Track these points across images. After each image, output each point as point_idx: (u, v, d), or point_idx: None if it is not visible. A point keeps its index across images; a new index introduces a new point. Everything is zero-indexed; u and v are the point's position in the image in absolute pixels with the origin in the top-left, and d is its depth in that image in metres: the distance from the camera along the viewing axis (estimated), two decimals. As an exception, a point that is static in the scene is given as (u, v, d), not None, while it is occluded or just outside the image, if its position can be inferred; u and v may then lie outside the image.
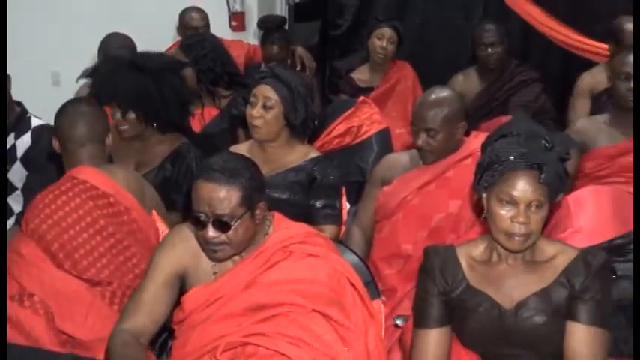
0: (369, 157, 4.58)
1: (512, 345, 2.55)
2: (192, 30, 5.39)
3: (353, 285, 2.72)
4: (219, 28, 5.83)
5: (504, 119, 4.53)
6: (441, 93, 3.52)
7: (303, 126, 3.55)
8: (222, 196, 2.58)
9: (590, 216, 3.41)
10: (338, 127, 4.66)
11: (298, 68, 5.49)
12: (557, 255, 2.57)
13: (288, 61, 5.49)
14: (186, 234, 2.77)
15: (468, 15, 6.26)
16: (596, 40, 5.66)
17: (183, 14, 5.61)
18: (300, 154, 3.60)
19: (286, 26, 5.80)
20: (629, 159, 3.98)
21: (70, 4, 6.48)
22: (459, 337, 2.63)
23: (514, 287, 2.56)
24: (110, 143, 3.29)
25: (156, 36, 5.54)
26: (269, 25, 5.52)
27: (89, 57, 4.79)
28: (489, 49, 5.27)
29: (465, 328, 2.59)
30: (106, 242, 3.05)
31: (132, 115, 3.64)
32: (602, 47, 5.39)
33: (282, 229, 2.76)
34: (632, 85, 3.95)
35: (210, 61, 4.60)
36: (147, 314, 2.69)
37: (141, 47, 4.54)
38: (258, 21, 5.75)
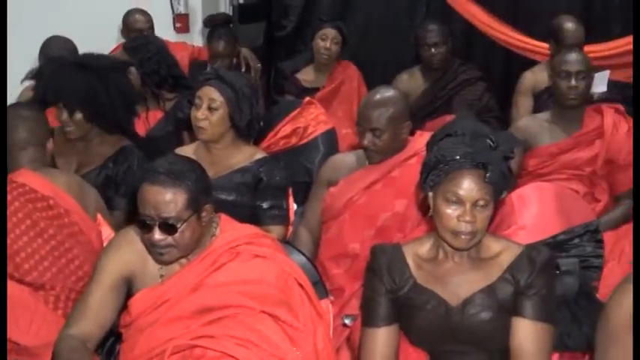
0: (316, 157, 4.58)
1: (460, 342, 2.57)
2: (137, 32, 5.34)
3: (301, 285, 2.72)
4: (164, 29, 5.79)
5: (449, 118, 4.57)
6: (386, 93, 3.54)
7: (249, 127, 3.55)
8: (168, 198, 2.56)
9: (534, 213, 3.45)
10: (284, 128, 4.65)
11: (243, 69, 5.47)
12: (502, 252, 2.60)
13: (234, 60, 5.47)
14: (132, 237, 2.75)
15: (412, 15, 6.29)
16: (537, 39, 5.73)
17: (127, 16, 5.56)
18: (246, 156, 3.59)
19: (232, 25, 5.78)
20: (570, 156, 4.05)
21: (9, 6, 6.38)
22: (407, 335, 2.64)
23: (460, 284, 2.58)
24: (51, 147, 3.26)
25: (98, 38, 5.47)
26: (215, 22, 5.49)
27: (30, 60, 4.73)
28: (433, 49, 5.31)
29: (412, 326, 2.61)
30: (47, 245, 3.02)
31: (78, 116, 3.62)
32: (543, 46, 5.47)
33: (229, 230, 2.75)
34: (572, 83, 4.02)
35: (154, 64, 4.57)
36: (93, 319, 2.66)
37: (83, 50, 4.49)
38: (205, 19, 5.71)
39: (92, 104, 3.62)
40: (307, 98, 4.88)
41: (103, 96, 3.64)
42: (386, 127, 3.46)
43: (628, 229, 3.95)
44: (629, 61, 5.58)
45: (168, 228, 2.57)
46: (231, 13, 6.46)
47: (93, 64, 3.71)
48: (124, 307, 2.73)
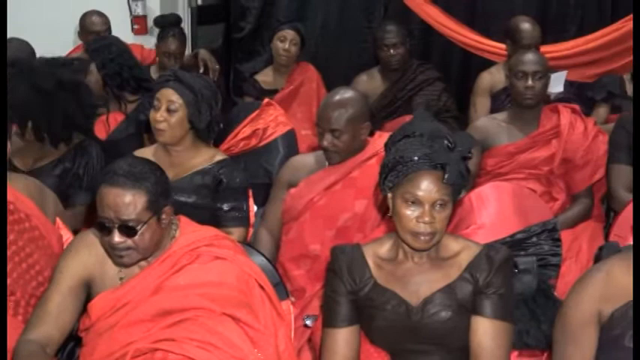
0: (275, 158, 4.58)
1: (421, 341, 2.58)
2: (94, 34, 5.29)
3: (261, 287, 2.72)
4: (121, 31, 5.73)
5: (408, 118, 4.59)
6: (345, 94, 3.55)
7: (208, 129, 3.54)
8: (127, 200, 2.55)
9: (492, 212, 3.48)
10: (243, 130, 4.65)
11: (202, 71, 5.45)
12: (461, 251, 2.61)
13: (184, 60, 5.43)
14: (91, 240, 2.73)
15: (369, 16, 6.31)
16: (494, 39, 5.77)
17: (84, 18, 5.51)
18: (206, 157, 3.58)
19: (183, 25, 5.75)
20: (527, 156, 4.09)
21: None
22: (368, 335, 2.65)
23: (420, 284, 2.59)
24: (9, 150, 3.23)
25: (55, 41, 5.44)
26: (167, 22, 5.46)
27: (-14, 63, 4.68)
28: (391, 50, 5.34)
29: (373, 326, 2.62)
30: (8, 250, 2.98)
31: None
32: (500, 47, 5.50)
33: (188, 232, 2.74)
34: (529, 83, 4.06)
35: (117, 66, 4.52)
36: (53, 323, 2.64)
37: (40, 53, 4.45)
38: (155, 19, 5.68)
39: (32, 120, 3.61)
40: (266, 100, 4.88)
41: (41, 117, 3.63)
42: (345, 128, 3.46)
43: (585, 227, 4.01)
44: (584, 61, 5.67)
45: (128, 230, 2.56)
46: (189, 15, 6.45)
47: (44, 83, 3.67)
48: (83, 311, 2.71)
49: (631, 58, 5.10)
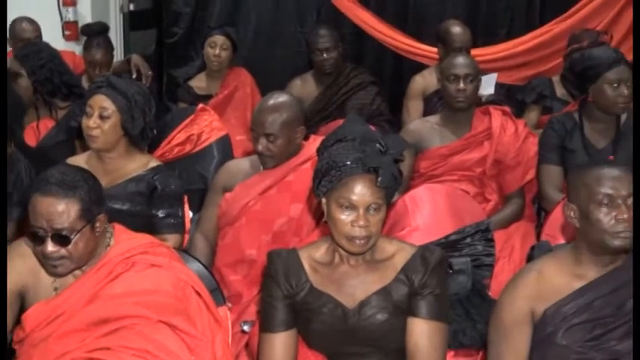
0: (210, 164, 4.57)
1: (358, 344, 2.60)
2: (24, 41, 5.21)
3: (198, 293, 2.71)
4: (52, 37, 5.65)
5: (342, 122, 4.61)
6: (279, 98, 3.56)
7: (142, 135, 3.51)
8: (60, 209, 2.52)
9: (427, 214, 3.52)
10: (178, 136, 4.63)
11: (134, 76, 5.40)
12: (397, 253, 2.63)
13: (117, 65, 5.38)
14: (24, 250, 2.70)
15: (302, 21, 6.32)
16: (425, 43, 5.83)
17: (14, 25, 5.42)
18: (140, 164, 3.55)
19: (115, 31, 5.69)
20: (460, 158, 4.14)
21: None
22: (305, 339, 2.66)
23: (356, 287, 2.61)
24: None
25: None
26: (94, 31, 5.41)
27: None
28: (324, 54, 5.36)
29: (310, 329, 2.63)
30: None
31: None
32: (432, 50, 5.56)
33: (123, 240, 2.72)
34: (460, 86, 4.10)
35: (47, 72, 4.45)
36: (-15, 335, 2.61)
37: (-32, 60, 4.38)
38: (82, 27, 5.60)
39: None
40: (200, 105, 4.86)
41: None
42: (280, 133, 3.47)
43: (517, 227, 4.07)
44: (514, 63, 5.77)
45: (61, 239, 2.53)
46: (121, 20, 6.39)
47: None
48: (17, 322, 2.67)
49: (560, 60, 5.20)
